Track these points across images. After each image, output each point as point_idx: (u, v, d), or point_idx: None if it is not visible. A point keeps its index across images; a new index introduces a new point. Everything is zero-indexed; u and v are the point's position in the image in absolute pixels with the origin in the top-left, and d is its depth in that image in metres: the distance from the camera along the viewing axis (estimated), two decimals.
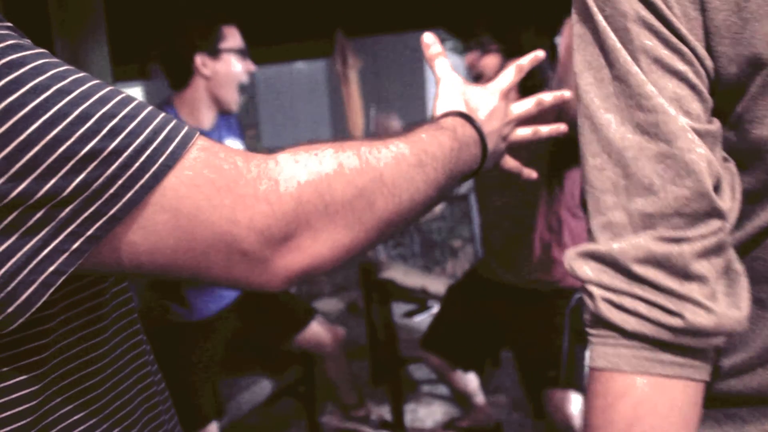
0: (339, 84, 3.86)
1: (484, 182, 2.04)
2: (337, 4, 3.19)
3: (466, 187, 4.52)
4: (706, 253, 0.49)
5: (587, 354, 1.89)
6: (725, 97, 0.51)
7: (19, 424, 0.45)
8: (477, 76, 1.84)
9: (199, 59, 1.79)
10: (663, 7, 0.49)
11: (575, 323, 1.90)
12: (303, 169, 0.49)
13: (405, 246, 4.57)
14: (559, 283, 1.93)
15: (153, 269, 0.46)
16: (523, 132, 0.84)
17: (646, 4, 0.49)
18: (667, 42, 0.49)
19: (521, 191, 1.91)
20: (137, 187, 0.42)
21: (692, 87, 0.50)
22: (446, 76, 0.81)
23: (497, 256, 2.03)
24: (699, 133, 0.49)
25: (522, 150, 0.87)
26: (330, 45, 3.70)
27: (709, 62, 0.50)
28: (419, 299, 2.87)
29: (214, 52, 1.80)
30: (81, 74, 0.44)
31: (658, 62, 0.49)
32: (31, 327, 0.45)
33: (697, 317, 0.47)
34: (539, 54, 0.84)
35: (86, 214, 0.41)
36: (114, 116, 0.42)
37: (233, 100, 1.86)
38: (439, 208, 4.67)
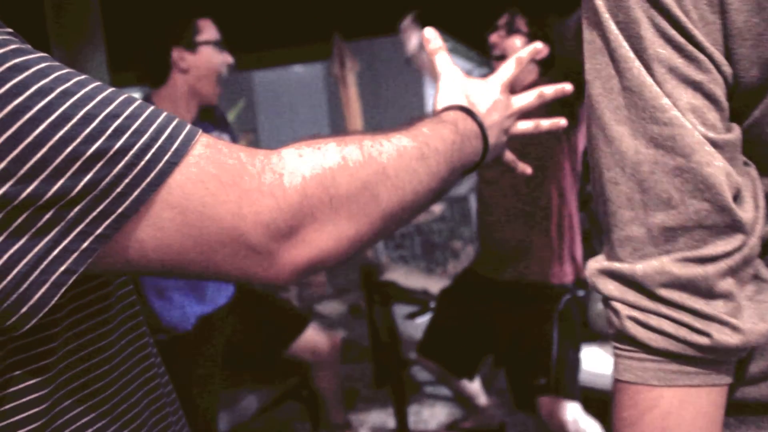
0: (337, 87, 3.87)
1: (485, 175, 2.03)
2: (334, 7, 3.20)
3: (466, 188, 4.53)
4: (731, 272, 0.49)
5: (581, 358, 1.87)
6: (744, 100, 0.50)
7: (30, 427, 0.46)
8: (499, 57, 1.85)
9: (176, 54, 1.79)
10: (679, 12, 0.47)
11: (564, 327, 1.90)
12: (307, 163, 0.49)
13: (406, 248, 4.57)
14: (553, 279, 1.92)
15: (161, 266, 0.46)
16: (525, 125, 0.85)
17: (661, 11, 0.47)
18: (683, 50, 0.47)
19: (523, 186, 1.92)
20: (144, 185, 0.43)
21: (708, 96, 0.48)
22: (447, 71, 0.81)
23: (497, 248, 2.02)
24: (716, 144, 0.48)
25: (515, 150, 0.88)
26: (328, 48, 3.71)
27: (726, 68, 0.48)
28: (421, 301, 2.87)
29: (191, 46, 1.80)
30: (83, 76, 0.44)
31: (673, 71, 0.48)
32: (38, 331, 0.45)
33: (724, 335, 0.48)
34: (537, 46, 0.85)
35: (95, 213, 0.42)
36: (118, 116, 0.43)
37: (213, 92, 1.86)
38: (439, 210, 4.68)
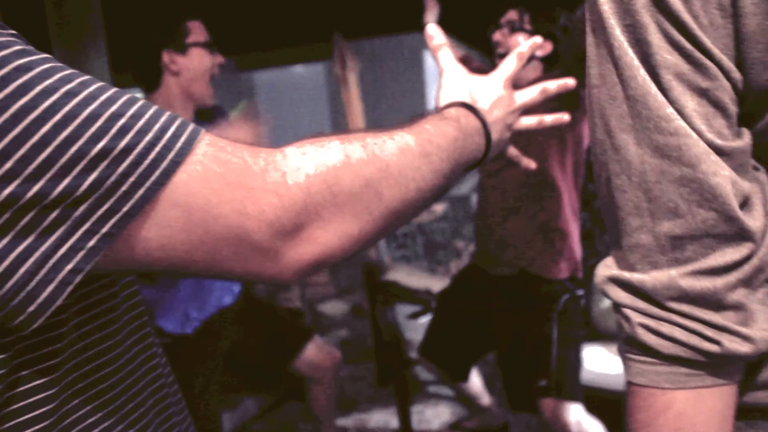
0: (338, 87, 3.87)
1: (487, 170, 2.03)
2: (334, 7, 3.20)
3: (467, 187, 4.53)
4: (742, 284, 0.49)
5: (583, 358, 1.87)
6: (756, 105, 0.50)
7: (38, 426, 0.46)
8: (503, 55, 1.85)
9: (167, 56, 1.79)
10: (687, 18, 0.46)
11: (563, 328, 1.89)
12: (310, 160, 0.49)
13: (408, 247, 4.57)
14: (548, 274, 1.92)
15: (166, 265, 0.46)
16: (528, 121, 0.85)
17: (669, 16, 0.46)
18: (690, 57, 0.47)
19: (526, 183, 1.91)
20: (148, 183, 0.43)
21: (715, 104, 0.48)
22: (450, 67, 0.81)
23: (495, 243, 2.01)
24: (723, 152, 0.48)
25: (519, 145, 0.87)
26: (329, 48, 3.71)
27: (735, 74, 0.47)
28: (424, 300, 2.87)
29: (181, 48, 1.80)
30: (86, 77, 0.45)
31: (680, 78, 0.47)
32: (45, 332, 0.45)
33: (734, 344, 0.48)
34: (537, 40, 0.85)
35: (100, 212, 0.42)
36: (122, 116, 0.43)
37: (207, 93, 1.85)
38: (441, 209, 4.68)
